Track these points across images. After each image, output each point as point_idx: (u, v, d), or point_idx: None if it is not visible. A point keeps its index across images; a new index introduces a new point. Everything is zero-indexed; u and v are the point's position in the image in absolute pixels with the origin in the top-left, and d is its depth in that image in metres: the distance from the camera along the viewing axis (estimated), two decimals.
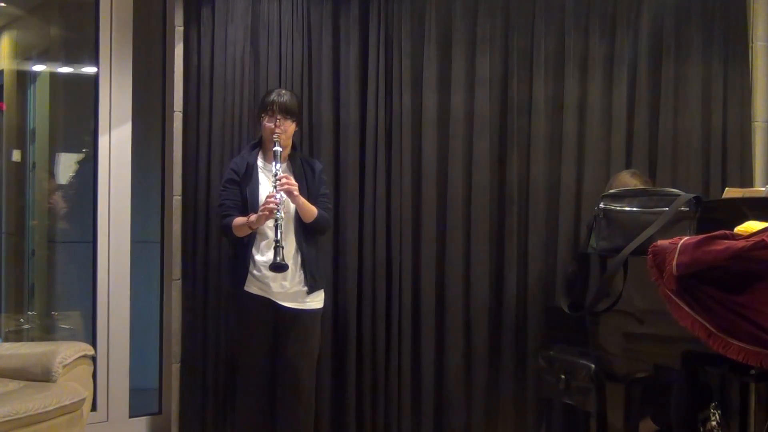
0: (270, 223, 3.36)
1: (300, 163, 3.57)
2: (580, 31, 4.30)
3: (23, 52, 4.95)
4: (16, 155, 4.71)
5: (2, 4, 4.68)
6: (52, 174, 4.66)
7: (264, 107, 3.51)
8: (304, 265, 3.48)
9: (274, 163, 3.38)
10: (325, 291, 3.75)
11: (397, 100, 4.07)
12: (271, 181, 3.37)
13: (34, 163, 4.75)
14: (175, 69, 3.92)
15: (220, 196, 3.55)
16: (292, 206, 3.44)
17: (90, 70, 4.19)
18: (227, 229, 3.46)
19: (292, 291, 3.46)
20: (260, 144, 3.59)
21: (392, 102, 4.07)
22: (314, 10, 4.01)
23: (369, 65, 4.04)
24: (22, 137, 4.79)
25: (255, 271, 3.45)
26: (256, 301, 3.46)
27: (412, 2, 4.11)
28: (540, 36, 4.24)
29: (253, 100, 3.91)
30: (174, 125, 3.93)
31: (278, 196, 3.31)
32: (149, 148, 4.25)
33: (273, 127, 3.44)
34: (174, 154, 3.94)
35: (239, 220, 3.42)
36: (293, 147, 3.60)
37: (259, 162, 3.55)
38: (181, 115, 3.93)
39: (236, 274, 3.50)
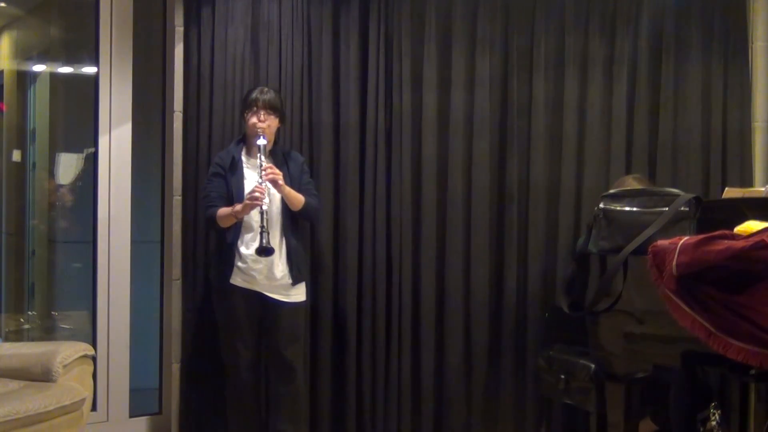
0: (255, 216, 3.43)
1: (281, 156, 3.64)
2: (580, 31, 4.30)
3: (23, 52, 4.95)
4: (16, 155, 4.72)
5: (2, 4, 4.69)
6: (52, 174, 4.66)
7: (248, 104, 3.58)
8: (290, 257, 3.54)
9: (258, 155, 3.46)
10: (323, 290, 3.86)
11: (397, 100, 4.07)
12: (257, 171, 3.44)
13: (34, 163, 4.75)
14: (175, 69, 3.92)
15: (204, 189, 3.62)
16: (278, 198, 3.51)
17: (90, 70, 4.19)
18: (212, 220, 3.53)
19: (278, 283, 3.52)
20: (244, 140, 3.66)
21: (392, 102, 4.07)
22: (314, 10, 4.01)
23: (369, 65, 4.04)
24: (22, 137, 4.79)
25: (241, 264, 3.50)
26: (243, 294, 3.52)
27: (412, 2, 4.10)
28: (540, 36, 4.24)
29: None
30: (174, 125, 3.94)
31: (264, 185, 3.38)
32: (149, 148, 4.24)
33: (256, 121, 3.52)
34: (174, 154, 3.94)
35: (224, 210, 3.49)
36: (275, 142, 3.67)
37: (243, 157, 3.61)
38: (181, 115, 3.93)
39: (222, 268, 3.54)
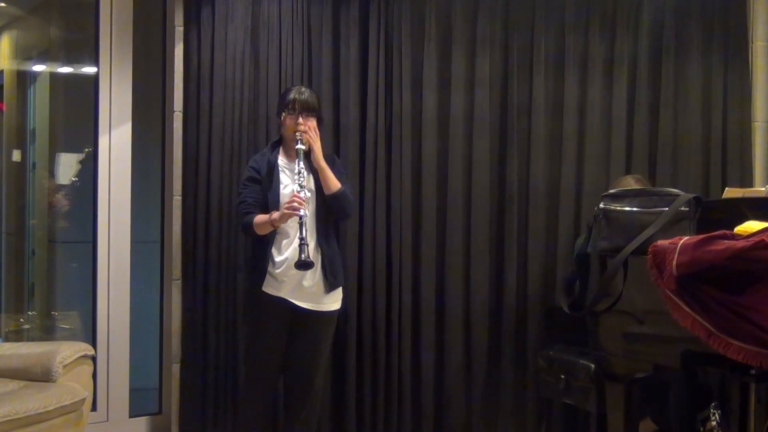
0: (291, 221, 3.32)
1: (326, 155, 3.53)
2: (580, 31, 4.30)
3: (23, 52, 4.96)
4: (16, 155, 4.72)
5: (2, 4, 4.69)
6: (52, 174, 4.67)
7: (285, 106, 3.47)
8: (324, 265, 3.42)
9: (297, 161, 3.35)
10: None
11: (397, 100, 4.07)
12: (295, 178, 3.34)
13: (34, 163, 4.75)
14: (175, 69, 3.92)
15: (239, 194, 3.50)
16: (312, 204, 3.40)
17: (90, 70, 4.19)
18: (248, 226, 3.39)
19: (310, 291, 3.40)
20: (280, 142, 3.55)
21: (392, 102, 4.07)
22: (314, 10, 4.01)
23: (369, 65, 4.04)
24: (22, 137, 4.79)
25: (274, 271, 3.39)
26: (273, 301, 3.39)
27: (412, 3, 4.10)
28: (540, 36, 4.24)
29: (254, 100, 3.92)
30: (174, 125, 3.94)
31: (302, 194, 3.27)
32: (149, 148, 4.24)
33: (295, 125, 3.42)
34: (174, 154, 3.94)
35: (261, 217, 3.36)
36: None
37: (281, 161, 3.50)
38: (181, 115, 3.93)
39: (255, 275, 3.44)
